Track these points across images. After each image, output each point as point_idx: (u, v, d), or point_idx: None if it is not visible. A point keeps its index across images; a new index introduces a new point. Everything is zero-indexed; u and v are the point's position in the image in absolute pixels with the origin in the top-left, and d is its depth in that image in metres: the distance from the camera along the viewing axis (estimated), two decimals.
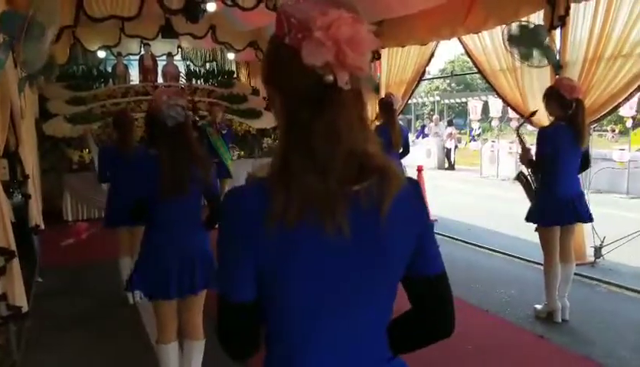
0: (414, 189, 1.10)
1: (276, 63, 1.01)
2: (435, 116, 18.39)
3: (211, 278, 2.82)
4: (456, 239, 6.56)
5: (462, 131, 19.64)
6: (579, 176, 3.97)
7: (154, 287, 2.70)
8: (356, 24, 0.95)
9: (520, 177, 4.12)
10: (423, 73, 6.77)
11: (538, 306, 4.05)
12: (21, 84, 5.18)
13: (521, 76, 5.14)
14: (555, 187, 3.76)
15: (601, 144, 13.22)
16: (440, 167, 15.46)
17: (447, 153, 15.59)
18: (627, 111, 9.82)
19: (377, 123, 6.05)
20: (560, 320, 3.89)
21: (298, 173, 0.96)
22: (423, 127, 17.65)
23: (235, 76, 11.99)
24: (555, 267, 3.85)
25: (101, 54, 9.98)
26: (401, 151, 5.87)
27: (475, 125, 16.21)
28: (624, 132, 13.08)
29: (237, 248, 1.01)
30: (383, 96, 5.97)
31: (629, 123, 10.60)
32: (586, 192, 4.23)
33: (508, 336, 3.85)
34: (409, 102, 29.09)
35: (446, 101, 26.65)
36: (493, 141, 13.80)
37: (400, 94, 6.84)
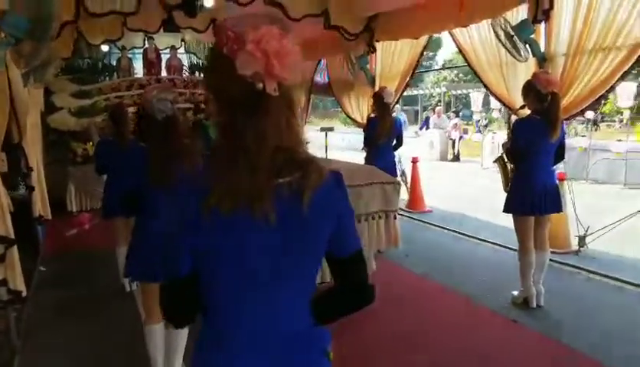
0: (336, 180, 1.27)
1: (215, 70, 1.19)
2: (439, 108, 18.41)
3: None
4: (447, 229, 6.71)
5: (469, 123, 19.68)
6: (555, 167, 4.10)
7: (142, 270, 2.89)
8: (283, 39, 1.12)
9: (499, 160, 4.27)
10: (417, 66, 6.87)
11: (515, 293, 4.22)
12: (24, 78, 5.39)
13: (506, 69, 5.25)
14: (528, 179, 3.92)
15: (609, 136, 13.23)
16: (443, 158, 15.54)
17: (453, 144, 15.70)
18: (625, 101, 9.88)
19: (372, 115, 6.21)
20: (534, 306, 4.07)
21: (231, 169, 1.14)
22: (427, 119, 17.71)
23: None
24: (528, 254, 4.02)
25: (104, 48, 10.14)
26: (394, 143, 6.04)
27: (477, 117, 16.25)
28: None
29: (181, 233, 1.19)
30: (377, 90, 6.10)
31: (627, 113, 10.66)
32: (584, 182, 4.37)
33: (483, 320, 4.03)
34: (416, 93, 29.31)
35: (453, 92, 26.64)
36: (494, 133, 13.87)
37: (393, 87, 6.96)
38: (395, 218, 4.07)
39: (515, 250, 5.44)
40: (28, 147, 5.34)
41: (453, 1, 5.66)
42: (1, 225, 3.26)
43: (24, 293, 3.43)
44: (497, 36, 4.84)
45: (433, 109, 18.77)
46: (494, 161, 4.32)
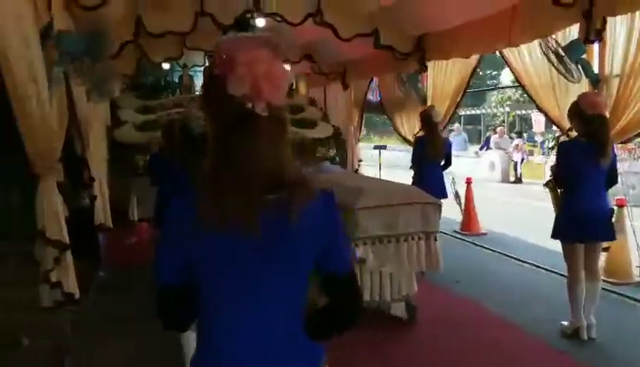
0: (326, 200, 1.29)
1: (209, 90, 1.24)
2: (500, 128, 17.86)
3: None
4: (501, 253, 6.49)
5: (535, 144, 19.02)
6: (607, 192, 3.90)
7: None
8: (274, 61, 1.16)
9: (548, 184, 4.11)
10: (468, 85, 6.77)
11: (565, 323, 4.02)
12: (88, 94, 5.74)
13: (559, 91, 5.08)
14: (576, 204, 3.75)
15: None
16: (504, 180, 15.06)
17: (515, 166, 15.24)
18: None
19: (420, 134, 6.16)
20: (585, 338, 3.85)
21: (220, 184, 1.18)
22: (488, 139, 17.24)
23: (294, 87, 12.36)
24: (577, 283, 3.83)
25: (166, 66, 10.62)
26: (443, 163, 5.95)
27: (539, 138, 15.70)
28: None
29: (166, 244, 1.25)
30: (424, 109, 6.05)
31: None
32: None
33: (532, 350, 3.86)
34: (479, 112, 28.71)
35: (517, 112, 25.89)
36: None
37: (445, 105, 6.87)
38: (436, 239, 3.99)
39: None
40: (91, 159, 5.66)
41: (503, 21, 5.58)
42: (57, 231, 3.48)
43: (77, 296, 3.62)
44: (548, 57, 4.70)
45: (494, 129, 18.25)
46: (544, 185, 4.17)
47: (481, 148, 17.22)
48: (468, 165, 14.32)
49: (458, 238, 7.29)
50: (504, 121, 24.52)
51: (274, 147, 1.19)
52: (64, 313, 3.74)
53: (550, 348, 3.83)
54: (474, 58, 6.53)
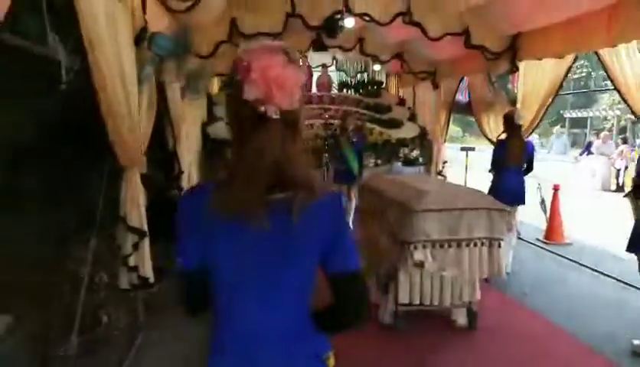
0: (333, 202, 1.39)
1: (230, 94, 1.36)
2: (604, 133, 16.63)
3: None
4: (582, 265, 6.13)
5: None
6: None
7: None
8: (286, 67, 1.27)
9: (630, 195, 3.87)
10: (561, 86, 6.44)
11: (636, 342, 3.78)
12: (182, 92, 6.19)
13: None
14: None
15: None
16: (605, 188, 14.04)
17: (617, 173, 14.16)
18: None
19: (501, 137, 5.98)
20: None
21: (232, 179, 1.30)
22: (589, 144, 16.11)
23: (384, 86, 12.36)
24: None
25: None
26: (525, 167, 5.74)
27: None
28: None
29: (185, 232, 1.39)
30: (508, 111, 5.87)
31: None
32: None
33: (592, 365, 3.67)
34: (586, 115, 26.92)
35: (630, 116, 23.96)
36: None
37: (534, 109, 6.61)
38: (499, 246, 3.89)
39: None
40: (183, 153, 6.08)
41: (601, 19, 5.28)
42: (137, 219, 3.83)
43: (152, 280, 3.97)
44: None
45: (597, 134, 17.01)
46: (625, 196, 3.91)
47: (581, 153, 16.12)
48: (566, 171, 13.49)
49: (539, 246, 6.98)
50: (613, 126, 22.77)
51: (283, 148, 1.29)
52: (139, 295, 4.12)
53: (611, 364, 3.61)
54: (568, 59, 6.22)
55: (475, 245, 3.85)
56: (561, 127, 27.44)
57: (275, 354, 1.37)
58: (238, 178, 1.28)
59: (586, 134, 27.69)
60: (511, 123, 5.59)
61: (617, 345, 3.92)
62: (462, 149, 9.59)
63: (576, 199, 10.21)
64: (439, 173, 9.61)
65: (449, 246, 3.82)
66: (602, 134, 16.04)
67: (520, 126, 5.64)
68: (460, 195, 3.98)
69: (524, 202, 5.74)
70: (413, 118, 10.64)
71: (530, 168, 5.74)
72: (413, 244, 3.79)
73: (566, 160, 15.91)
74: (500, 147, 5.71)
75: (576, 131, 30.43)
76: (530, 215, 8.11)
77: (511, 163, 5.55)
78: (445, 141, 9.67)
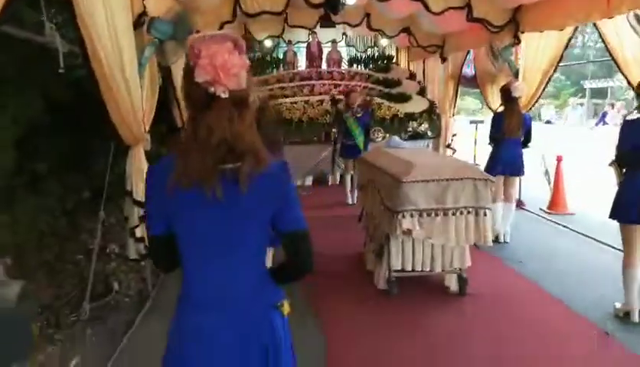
0: (280, 168, 1.58)
1: (184, 77, 1.55)
2: (619, 102, 16.40)
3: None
4: (583, 235, 6.22)
5: None
6: None
7: None
8: (232, 53, 1.46)
9: (614, 163, 3.97)
10: (561, 58, 6.47)
11: (617, 305, 3.94)
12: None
13: None
14: (634, 184, 3.62)
15: None
16: None
17: None
18: None
19: (499, 110, 6.08)
20: (637, 320, 3.77)
21: (188, 153, 1.51)
22: (604, 114, 15.93)
23: (394, 60, 12.40)
24: (631, 267, 3.75)
25: (267, 43, 11.18)
26: (523, 139, 5.85)
27: None
28: None
29: (152, 200, 1.60)
30: (504, 84, 5.95)
31: None
32: None
33: (577, 329, 3.83)
34: (606, 85, 26.35)
35: None
36: None
37: (536, 81, 6.67)
38: (485, 214, 4.05)
39: None
40: None
41: None
42: (142, 193, 4.07)
43: None
44: (634, 29, 4.45)
45: (612, 104, 16.75)
46: (610, 164, 4.01)
47: (597, 124, 15.94)
48: (580, 142, 13.40)
49: (541, 216, 7.09)
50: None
51: (232, 123, 1.47)
52: (148, 264, 4.40)
53: (595, 328, 3.77)
54: (567, 31, 6.25)
55: (462, 213, 4.01)
56: (581, 97, 26.98)
57: (235, 306, 1.59)
58: (192, 152, 1.47)
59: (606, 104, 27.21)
60: (508, 96, 5.69)
61: (604, 309, 4.06)
62: (471, 122, 9.67)
63: (586, 170, 10.18)
64: (448, 145, 9.71)
65: (436, 215, 4.00)
66: (617, 105, 15.81)
67: (517, 98, 5.73)
68: (447, 166, 4.14)
69: (523, 173, 5.87)
70: (422, 92, 10.70)
71: (528, 140, 5.85)
72: (401, 213, 3.97)
73: (580, 132, 15.68)
74: (497, 120, 5.82)
75: (597, 101, 29.87)
76: (535, 186, 8.21)
77: (509, 135, 5.65)
78: (453, 115, 9.75)
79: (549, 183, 7.62)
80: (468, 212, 4.02)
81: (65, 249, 4.70)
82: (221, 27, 6.71)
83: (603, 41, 5.55)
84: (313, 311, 4.18)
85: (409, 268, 4.30)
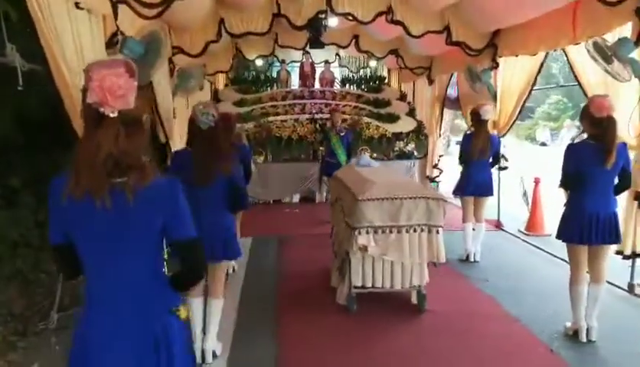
0: (169, 183, 1.74)
1: (82, 98, 1.70)
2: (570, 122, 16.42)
3: (230, 252, 3.58)
4: (556, 256, 6.25)
5: None
6: (614, 195, 3.81)
7: None
8: (119, 78, 1.60)
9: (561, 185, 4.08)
10: (534, 82, 6.62)
11: (568, 324, 4.02)
12: (174, 90, 6.60)
13: (609, 91, 4.90)
14: (578, 206, 3.74)
15: None
16: None
17: None
18: None
19: (468, 132, 6.23)
20: (584, 340, 3.85)
21: (79, 166, 1.64)
22: None
23: (386, 81, 12.60)
24: (576, 284, 3.85)
25: (259, 62, 11.41)
26: (492, 160, 5.98)
27: None
28: None
29: (51, 212, 1.74)
30: (474, 107, 6.09)
31: None
32: None
33: (525, 346, 3.91)
34: None
35: None
36: None
37: (512, 103, 6.82)
38: (438, 232, 4.17)
39: (616, 286, 5.03)
40: (175, 145, 6.48)
41: (567, 18, 5.48)
42: None
43: None
44: (593, 57, 4.59)
45: None
46: (559, 186, 4.13)
47: None
48: None
49: (518, 237, 7.17)
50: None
51: (118, 140, 1.61)
52: None
53: (543, 345, 3.85)
54: (541, 55, 6.41)
55: (415, 231, 4.13)
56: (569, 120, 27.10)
57: (129, 309, 1.72)
58: (83, 166, 1.62)
59: None
60: (477, 118, 5.83)
61: (556, 328, 4.14)
62: (457, 143, 9.78)
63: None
64: (435, 166, 9.84)
65: (390, 232, 4.12)
66: (566, 123, 15.85)
67: (486, 121, 5.87)
68: (402, 185, 4.26)
69: (491, 194, 5.98)
70: (411, 112, 10.86)
71: (496, 161, 5.98)
72: (358, 229, 4.10)
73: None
74: (467, 141, 5.96)
75: None
76: (515, 208, 8.32)
77: (477, 156, 5.78)
78: (440, 135, 9.89)
79: (527, 205, 7.71)
80: (422, 230, 4.14)
81: (39, 259, 4.85)
82: (206, 47, 6.91)
83: (571, 67, 5.70)
84: (272, 322, 4.31)
85: (370, 285, 4.40)
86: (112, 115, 1.59)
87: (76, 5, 3.60)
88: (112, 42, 4.35)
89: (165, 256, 2.12)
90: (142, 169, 1.67)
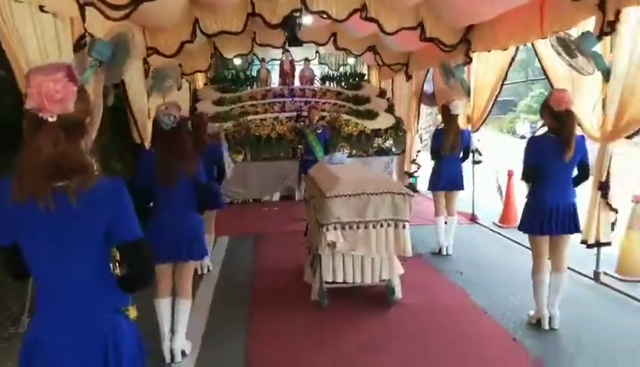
0: (113, 184, 1.77)
1: (23, 103, 1.73)
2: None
3: (196, 252, 3.61)
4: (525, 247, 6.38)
5: None
6: (574, 187, 3.91)
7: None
8: (56, 83, 1.62)
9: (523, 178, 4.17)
10: (505, 77, 6.72)
11: (531, 312, 4.12)
12: (149, 90, 6.60)
13: (574, 84, 5.01)
14: (539, 198, 3.84)
15: None
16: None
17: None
18: None
19: (439, 127, 6.31)
20: (546, 328, 3.96)
21: (22, 170, 1.66)
22: None
23: (366, 78, 12.66)
24: (538, 274, 3.95)
25: (237, 61, 11.40)
26: (462, 155, 6.08)
27: None
28: None
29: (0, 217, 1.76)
30: (444, 103, 6.17)
31: None
32: None
33: (489, 335, 4.02)
34: None
35: None
36: None
37: (484, 99, 6.91)
38: (404, 227, 4.24)
39: (587, 276, 5.13)
40: (150, 146, 6.48)
41: (534, 13, 5.57)
42: None
43: None
44: (557, 51, 4.68)
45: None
46: (521, 179, 4.23)
47: None
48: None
49: (492, 230, 7.28)
50: None
51: (57, 143, 1.63)
52: None
53: (506, 335, 3.95)
54: (512, 50, 6.50)
55: (382, 226, 4.21)
56: None
57: (79, 311, 1.76)
58: (25, 170, 1.64)
59: None
60: (447, 113, 5.91)
61: (522, 317, 4.24)
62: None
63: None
64: (413, 161, 9.92)
65: (358, 227, 4.19)
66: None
67: (456, 116, 5.96)
68: (369, 181, 4.33)
69: (462, 188, 6.08)
70: (390, 109, 10.93)
71: (466, 156, 6.07)
72: (326, 226, 4.16)
73: None
74: (437, 137, 6.04)
75: None
76: (486, 201, 8.45)
77: (448, 151, 5.87)
78: (417, 131, 9.97)
79: (501, 198, 7.83)
80: (388, 225, 4.21)
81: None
82: (181, 47, 6.91)
83: (539, 60, 5.79)
84: (245, 319, 4.37)
85: (341, 280, 4.47)
86: (50, 120, 1.62)
87: (41, 9, 3.61)
88: (80, 44, 4.37)
89: (118, 257, 2.17)
90: (85, 171, 1.69)
